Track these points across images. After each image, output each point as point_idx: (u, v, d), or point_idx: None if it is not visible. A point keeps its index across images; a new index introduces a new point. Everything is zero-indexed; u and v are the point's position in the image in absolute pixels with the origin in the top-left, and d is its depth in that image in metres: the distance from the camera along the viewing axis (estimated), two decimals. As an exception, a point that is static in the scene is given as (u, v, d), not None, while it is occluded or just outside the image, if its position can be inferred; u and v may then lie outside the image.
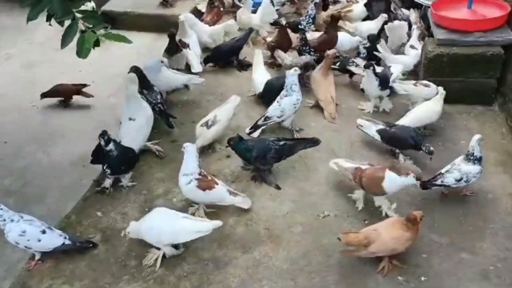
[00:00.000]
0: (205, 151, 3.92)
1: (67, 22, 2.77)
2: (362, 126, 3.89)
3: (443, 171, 3.34)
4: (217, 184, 3.29)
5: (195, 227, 3.02)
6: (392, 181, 3.13)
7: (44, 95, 4.72)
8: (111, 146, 3.42)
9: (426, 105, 4.00)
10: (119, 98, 4.65)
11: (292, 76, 3.98)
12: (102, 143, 3.41)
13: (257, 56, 4.69)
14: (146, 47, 5.50)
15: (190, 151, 3.26)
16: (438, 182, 3.31)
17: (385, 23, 5.08)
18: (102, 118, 4.45)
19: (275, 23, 5.47)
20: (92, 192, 3.62)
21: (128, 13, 6.05)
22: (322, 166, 3.72)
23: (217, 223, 3.04)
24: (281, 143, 3.57)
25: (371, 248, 2.86)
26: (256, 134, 3.98)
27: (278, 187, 3.59)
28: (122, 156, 3.50)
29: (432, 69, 4.30)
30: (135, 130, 3.77)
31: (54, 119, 4.64)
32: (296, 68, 4.05)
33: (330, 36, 4.90)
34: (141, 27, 5.91)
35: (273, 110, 4.01)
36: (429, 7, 4.77)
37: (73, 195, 3.63)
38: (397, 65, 4.42)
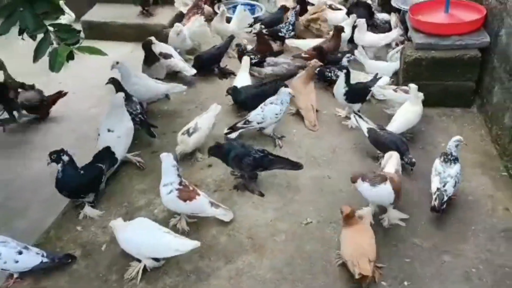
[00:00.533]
0: (187, 160, 3.89)
1: (39, 36, 2.73)
2: (358, 118, 3.87)
3: (439, 186, 3.26)
4: (198, 195, 3.26)
5: (174, 245, 2.98)
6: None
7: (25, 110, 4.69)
8: (59, 166, 3.24)
9: (407, 108, 3.97)
10: (100, 109, 4.62)
11: (285, 95, 4.00)
12: (48, 161, 3.22)
13: (244, 61, 4.70)
14: (126, 57, 5.45)
15: (166, 160, 3.22)
16: (446, 199, 3.24)
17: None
18: (83, 130, 4.42)
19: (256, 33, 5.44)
20: (72, 206, 3.56)
21: (108, 23, 6.03)
22: (304, 173, 3.70)
23: (195, 243, 3.00)
24: (262, 154, 3.53)
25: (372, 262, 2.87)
26: (233, 135, 3.95)
27: (261, 194, 3.57)
28: (65, 180, 3.29)
29: (411, 73, 4.32)
30: (113, 142, 3.71)
31: (36, 132, 4.59)
32: (291, 92, 4.05)
33: (335, 45, 4.91)
34: (121, 37, 5.91)
35: (255, 115, 4.01)
36: (406, 11, 4.81)
37: (54, 209, 3.57)
38: (385, 77, 4.40)
